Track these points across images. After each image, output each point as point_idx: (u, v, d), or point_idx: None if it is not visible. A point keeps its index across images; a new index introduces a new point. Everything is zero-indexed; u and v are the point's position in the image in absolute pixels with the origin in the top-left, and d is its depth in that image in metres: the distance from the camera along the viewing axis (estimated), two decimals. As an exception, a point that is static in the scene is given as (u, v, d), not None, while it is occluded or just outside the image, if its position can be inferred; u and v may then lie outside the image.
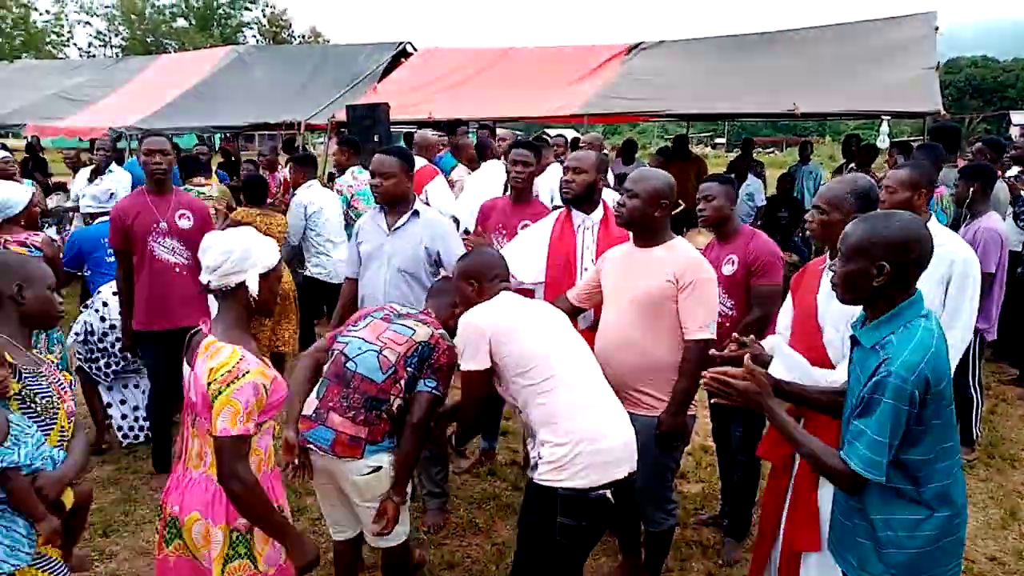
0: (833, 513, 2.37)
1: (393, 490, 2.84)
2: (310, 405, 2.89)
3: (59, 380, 2.40)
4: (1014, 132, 24.67)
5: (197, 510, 2.29)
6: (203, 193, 5.90)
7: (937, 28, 8.48)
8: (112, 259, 4.76)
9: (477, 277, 2.93)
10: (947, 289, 3.51)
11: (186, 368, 2.40)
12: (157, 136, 4.41)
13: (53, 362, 2.64)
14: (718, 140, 39.50)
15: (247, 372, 2.22)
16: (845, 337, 2.63)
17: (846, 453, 2.08)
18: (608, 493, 2.61)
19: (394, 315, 3.09)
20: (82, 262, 4.99)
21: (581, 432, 2.61)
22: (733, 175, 9.17)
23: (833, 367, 2.73)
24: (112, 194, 5.38)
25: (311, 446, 2.83)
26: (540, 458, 2.65)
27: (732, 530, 3.91)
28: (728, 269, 3.66)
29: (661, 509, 3.30)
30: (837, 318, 2.80)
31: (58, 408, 2.33)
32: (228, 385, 2.19)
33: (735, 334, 2.67)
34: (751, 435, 3.73)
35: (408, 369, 2.89)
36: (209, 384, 2.21)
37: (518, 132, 11.05)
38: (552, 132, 9.30)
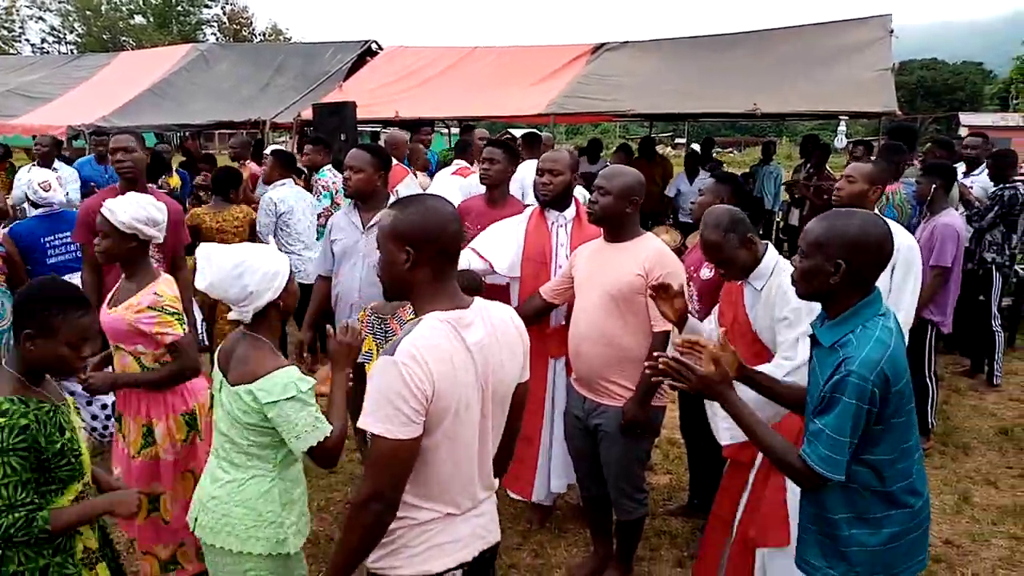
0: (800, 518, 2.33)
1: None
2: None
3: None
4: (963, 133, 25.39)
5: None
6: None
7: (892, 31, 8.72)
8: (53, 258, 4.65)
9: (416, 241, 1.91)
10: (891, 274, 3.71)
11: None
12: (122, 134, 4.33)
13: None
14: (679, 140, 39.93)
15: None
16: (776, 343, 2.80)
17: (806, 452, 2.06)
18: (459, 574, 2.03)
19: None
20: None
21: (436, 514, 1.97)
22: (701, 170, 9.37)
23: None
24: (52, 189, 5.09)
25: None
26: None
27: None
28: (706, 273, 3.70)
29: (631, 499, 3.39)
30: (764, 328, 2.94)
31: None
32: None
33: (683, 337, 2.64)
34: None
35: None
36: None
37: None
38: (517, 132, 9.40)
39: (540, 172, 3.77)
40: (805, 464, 2.05)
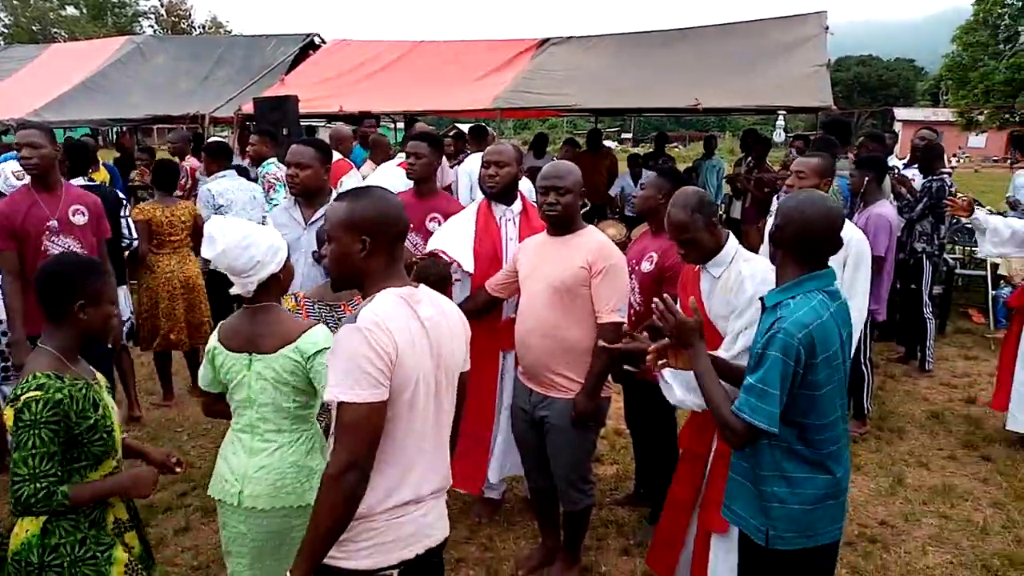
0: (730, 472, 2.48)
1: None
2: None
3: None
4: (897, 128, 26.21)
5: None
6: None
7: (827, 28, 8.94)
8: None
9: (371, 231, 1.96)
10: (844, 268, 3.83)
11: None
12: (29, 128, 4.15)
13: None
14: (625, 135, 40.46)
15: None
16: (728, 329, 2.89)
17: (738, 406, 2.23)
18: (395, 574, 2.01)
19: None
20: None
21: (389, 499, 1.97)
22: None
23: None
24: None
25: None
26: None
27: (655, 517, 3.83)
28: (646, 266, 3.72)
29: (578, 489, 3.42)
30: (721, 316, 2.96)
31: None
32: None
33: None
34: (662, 419, 3.88)
35: None
36: None
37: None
38: (464, 127, 9.37)
39: (486, 164, 3.78)
40: (737, 417, 2.22)
